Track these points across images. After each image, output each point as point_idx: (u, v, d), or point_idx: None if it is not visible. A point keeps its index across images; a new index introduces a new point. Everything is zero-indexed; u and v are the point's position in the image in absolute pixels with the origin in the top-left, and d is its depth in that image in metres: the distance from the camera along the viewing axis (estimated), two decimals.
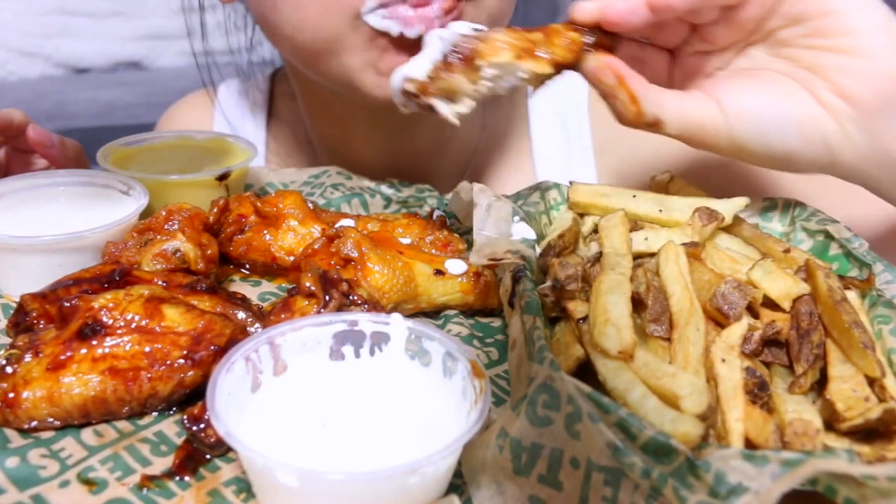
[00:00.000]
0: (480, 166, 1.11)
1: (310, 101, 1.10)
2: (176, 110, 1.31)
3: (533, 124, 1.13)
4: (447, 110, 0.67)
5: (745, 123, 0.66)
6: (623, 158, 1.09)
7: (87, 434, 0.56)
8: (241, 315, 0.64)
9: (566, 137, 1.11)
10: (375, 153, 1.06)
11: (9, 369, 0.56)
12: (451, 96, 0.67)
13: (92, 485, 0.51)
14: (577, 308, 0.58)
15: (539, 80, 0.68)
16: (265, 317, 0.64)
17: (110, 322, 0.58)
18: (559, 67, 0.67)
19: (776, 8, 0.65)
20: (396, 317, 0.57)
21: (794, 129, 0.66)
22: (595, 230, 0.70)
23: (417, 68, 0.67)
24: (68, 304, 0.59)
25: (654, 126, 0.66)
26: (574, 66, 0.67)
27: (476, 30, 0.68)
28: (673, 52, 0.74)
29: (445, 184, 0.99)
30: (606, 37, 0.67)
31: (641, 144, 1.08)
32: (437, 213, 0.81)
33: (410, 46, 0.83)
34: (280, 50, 0.99)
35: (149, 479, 0.52)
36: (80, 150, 0.98)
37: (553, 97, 1.12)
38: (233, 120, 1.21)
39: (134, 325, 0.58)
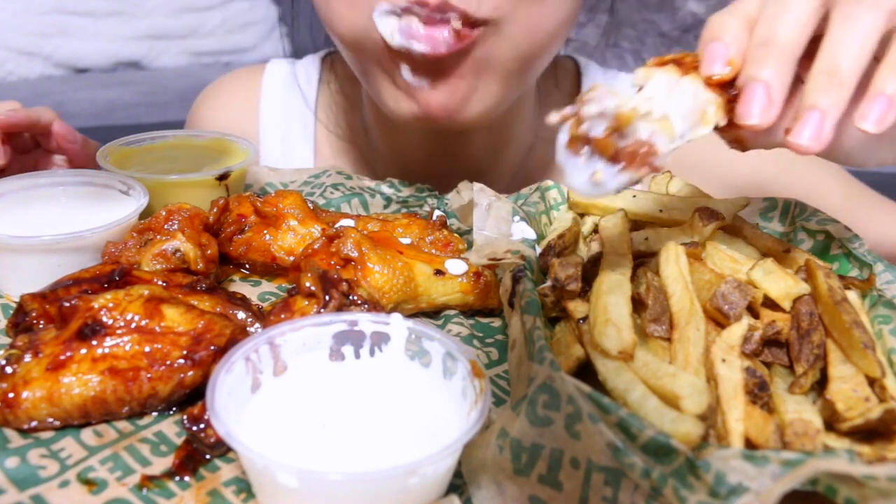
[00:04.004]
0: (531, 167, 1.11)
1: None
2: (220, 91, 1.27)
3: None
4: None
5: (842, 156, 0.63)
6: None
7: (87, 434, 0.56)
8: (241, 315, 0.64)
9: None
10: (432, 154, 1.07)
11: (8, 369, 0.56)
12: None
13: (92, 485, 0.51)
14: (577, 308, 0.58)
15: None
16: (265, 317, 0.64)
17: (110, 322, 0.58)
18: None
19: None
20: (396, 317, 0.57)
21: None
22: (595, 230, 0.70)
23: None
24: (68, 304, 0.59)
25: None
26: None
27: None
28: None
29: (498, 186, 0.99)
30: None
31: (688, 151, 1.08)
32: (437, 213, 0.81)
33: (426, 67, 0.84)
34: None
35: (149, 479, 0.52)
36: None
37: None
38: (282, 104, 1.20)
39: (134, 325, 0.58)
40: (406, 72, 0.86)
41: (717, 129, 0.59)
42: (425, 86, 0.86)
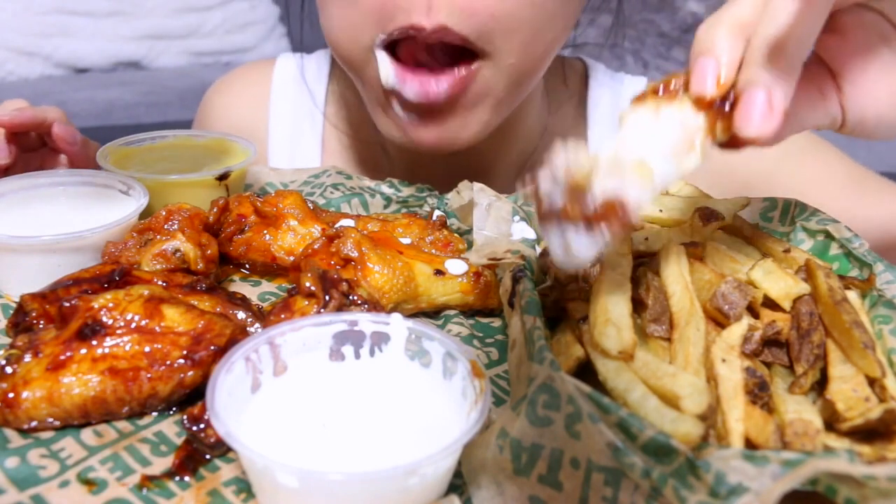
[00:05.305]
0: (540, 161, 1.12)
1: None
2: (230, 87, 1.27)
3: (591, 128, 1.14)
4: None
5: (866, 129, 0.60)
6: None
7: (87, 434, 0.56)
8: (241, 315, 0.64)
9: None
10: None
11: (9, 369, 0.56)
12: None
13: (92, 485, 0.51)
14: (577, 308, 0.58)
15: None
16: (265, 317, 0.64)
17: (110, 322, 0.58)
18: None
19: None
20: (396, 317, 0.57)
21: None
22: None
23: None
24: (68, 304, 0.59)
25: None
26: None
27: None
28: None
29: (502, 183, 1.00)
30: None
31: None
32: (437, 213, 0.81)
33: (418, 107, 0.87)
34: None
35: (149, 480, 0.52)
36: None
37: (612, 101, 1.14)
38: (291, 101, 1.22)
39: (134, 325, 0.58)
40: (397, 107, 0.89)
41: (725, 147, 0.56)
42: (415, 121, 0.89)
